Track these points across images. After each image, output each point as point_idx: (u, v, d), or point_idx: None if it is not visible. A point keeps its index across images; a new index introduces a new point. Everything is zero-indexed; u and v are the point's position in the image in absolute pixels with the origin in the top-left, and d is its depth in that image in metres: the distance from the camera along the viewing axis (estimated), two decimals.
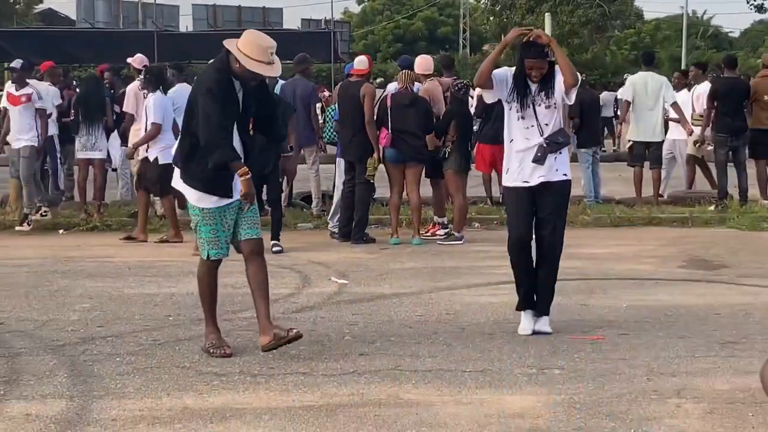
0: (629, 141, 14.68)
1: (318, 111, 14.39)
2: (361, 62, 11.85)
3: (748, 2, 37.53)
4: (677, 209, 13.36)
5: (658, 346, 6.45)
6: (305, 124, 12.58)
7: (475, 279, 9.02)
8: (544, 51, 6.62)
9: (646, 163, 14.23)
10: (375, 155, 11.22)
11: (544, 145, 6.69)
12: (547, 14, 19.81)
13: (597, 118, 15.58)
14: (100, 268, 9.82)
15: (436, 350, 6.41)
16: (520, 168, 6.76)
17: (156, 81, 11.60)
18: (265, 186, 10.42)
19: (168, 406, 5.31)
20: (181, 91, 12.84)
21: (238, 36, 6.28)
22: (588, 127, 14.33)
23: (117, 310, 7.78)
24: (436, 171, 11.57)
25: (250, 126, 6.48)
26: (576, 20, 38.60)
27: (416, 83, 11.71)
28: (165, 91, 11.73)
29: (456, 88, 11.55)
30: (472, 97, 13.25)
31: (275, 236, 10.72)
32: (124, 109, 13.01)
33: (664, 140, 14.33)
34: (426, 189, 11.85)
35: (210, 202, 6.25)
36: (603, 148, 18.10)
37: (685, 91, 15.09)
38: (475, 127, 12.51)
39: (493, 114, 12.31)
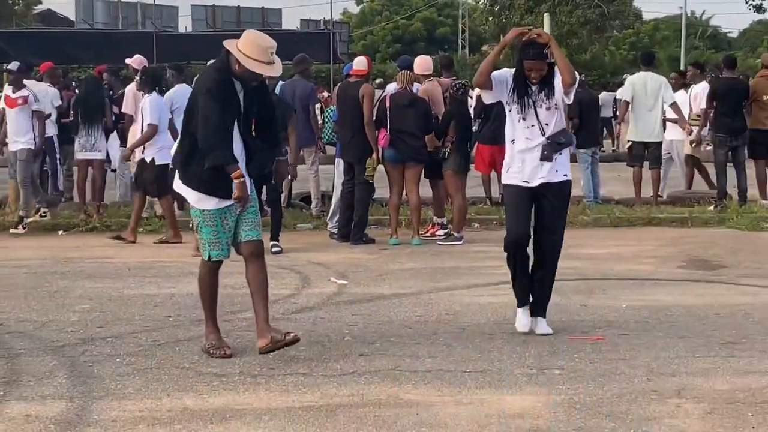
0: (628, 141, 14.68)
1: (317, 111, 14.39)
2: (360, 63, 11.85)
3: (746, 2, 37.54)
4: (677, 209, 13.36)
5: (658, 346, 6.45)
6: (304, 125, 12.58)
7: (474, 279, 9.02)
8: (543, 52, 6.61)
9: (646, 163, 14.23)
10: (374, 156, 11.22)
11: (546, 144, 6.69)
12: (545, 14, 19.85)
13: (596, 118, 15.59)
14: (99, 269, 9.81)
15: (436, 351, 6.41)
16: (521, 168, 6.76)
17: (152, 82, 11.61)
18: (264, 187, 10.41)
19: (168, 406, 5.31)
20: (181, 91, 12.84)
21: (237, 37, 6.27)
22: (587, 127, 14.33)
23: (117, 310, 7.78)
24: (435, 171, 11.57)
25: (252, 127, 6.47)
26: (575, 20, 38.61)
27: (415, 84, 11.71)
28: (161, 92, 11.74)
29: (455, 88, 11.55)
30: (471, 98, 13.25)
31: (275, 237, 10.72)
32: (123, 110, 13.02)
33: (663, 140, 14.32)
34: (425, 189, 11.86)
35: (210, 203, 6.24)
36: (602, 149, 18.11)
37: (682, 91, 15.09)
38: (474, 128, 12.50)
39: (492, 114, 12.32)
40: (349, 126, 11.41)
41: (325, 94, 24.44)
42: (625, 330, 6.95)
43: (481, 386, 5.62)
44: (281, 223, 11.13)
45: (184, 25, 41.73)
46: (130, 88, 12.84)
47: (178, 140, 6.62)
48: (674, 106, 14.10)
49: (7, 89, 12.81)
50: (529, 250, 6.86)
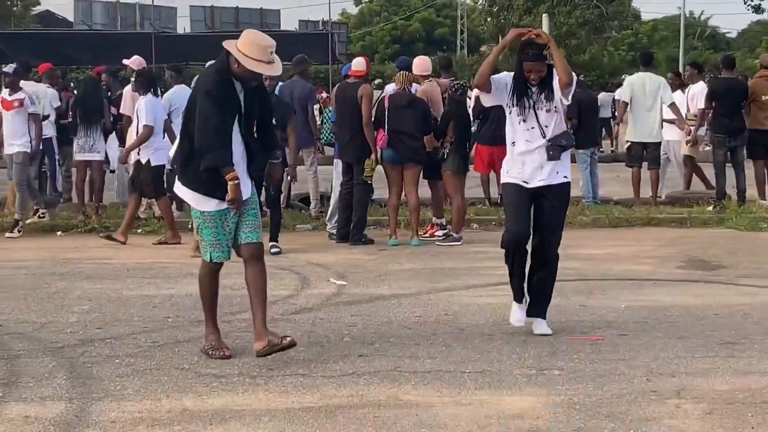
0: (627, 142, 14.69)
1: (316, 112, 14.39)
2: (358, 63, 11.85)
3: (745, 3, 37.60)
4: (675, 210, 13.36)
5: (658, 347, 6.45)
6: (303, 126, 12.58)
7: (473, 280, 9.02)
8: (542, 54, 6.62)
9: (644, 164, 14.23)
10: (373, 156, 11.23)
11: (549, 145, 6.69)
12: (544, 15, 19.89)
13: (595, 119, 15.59)
14: (98, 270, 9.81)
15: (436, 351, 6.41)
16: (521, 170, 6.76)
17: (147, 84, 11.61)
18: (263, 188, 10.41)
19: (167, 407, 5.31)
20: (179, 92, 12.85)
21: (236, 37, 6.26)
22: (586, 128, 14.31)
23: (116, 311, 7.77)
24: (434, 172, 11.57)
25: (254, 129, 6.45)
26: (573, 21, 38.65)
27: (414, 84, 11.71)
28: (156, 94, 11.73)
29: (454, 89, 11.55)
30: (470, 98, 13.25)
31: (274, 238, 10.72)
32: (121, 111, 13.02)
33: (661, 141, 14.32)
34: (424, 190, 11.85)
35: (210, 205, 6.22)
36: (601, 149, 18.12)
37: (679, 92, 15.09)
38: (473, 128, 12.51)
39: (490, 115, 12.32)
40: (347, 127, 11.41)
41: (324, 94, 24.45)
42: (624, 330, 6.95)
43: (481, 387, 5.62)
44: (280, 224, 11.12)
45: (183, 26, 41.71)
46: (129, 89, 12.84)
47: (177, 141, 6.61)
48: (673, 106, 14.10)
49: (4, 92, 12.78)
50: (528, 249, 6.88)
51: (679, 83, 15.59)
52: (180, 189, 6.37)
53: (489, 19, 44.43)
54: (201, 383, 5.73)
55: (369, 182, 11.45)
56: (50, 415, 5.18)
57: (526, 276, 6.90)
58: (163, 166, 11.63)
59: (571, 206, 11.37)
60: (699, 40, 62.28)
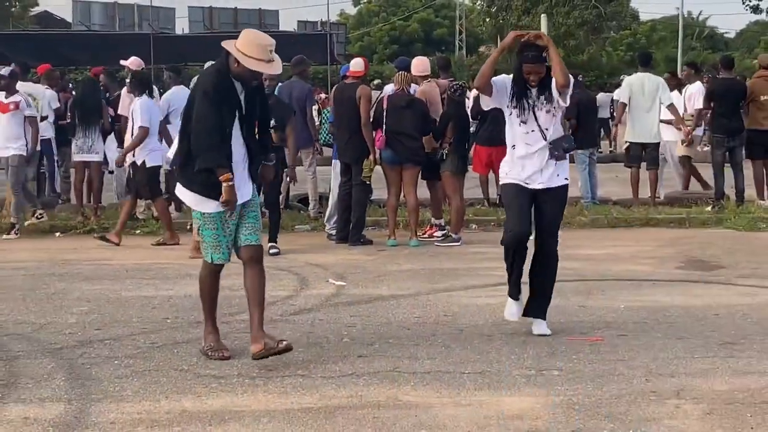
0: (626, 142, 14.69)
1: (315, 113, 14.38)
2: (356, 64, 11.85)
3: (743, 3, 37.61)
4: (674, 210, 13.36)
5: (657, 347, 6.45)
6: (302, 126, 12.58)
7: (472, 280, 9.02)
8: (542, 56, 6.62)
9: (643, 164, 14.23)
10: (371, 157, 11.22)
11: (551, 147, 6.70)
12: (543, 15, 19.85)
13: (594, 119, 15.60)
14: (97, 271, 9.80)
15: (435, 352, 6.41)
16: (521, 172, 6.76)
17: (141, 85, 11.61)
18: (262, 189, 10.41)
19: (166, 409, 5.30)
20: (178, 93, 12.86)
21: (234, 38, 6.25)
22: (585, 128, 14.32)
23: (115, 313, 7.77)
24: (432, 173, 11.57)
25: (256, 130, 6.43)
26: (572, 21, 38.69)
27: (413, 85, 11.71)
28: (151, 95, 11.73)
29: (453, 89, 11.55)
30: (468, 98, 13.25)
31: (273, 238, 10.72)
32: (119, 112, 13.02)
33: (660, 141, 14.32)
34: (423, 191, 11.85)
35: (210, 206, 6.19)
36: (599, 150, 18.11)
37: (676, 92, 15.09)
38: (471, 129, 12.51)
39: (488, 116, 12.30)
40: (345, 127, 11.41)
41: (323, 95, 24.44)
42: (623, 331, 6.95)
43: (480, 387, 5.62)
44: (279, 224, 11.12)
45: (181, 26, 41.63)
46: (127, 90, 12.83)
47: (176, 142, 6.60)
48: (671, 107, 14.10)
49: (0, 94, 12.73)
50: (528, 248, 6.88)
51: (676, 83, 15.59)
52: (180, 190, 6.36)
53: (487, 20, 44.48)
54: (200, 384, 5.73)
55: (368, 183, 11.45)
56: (49, 416, 5.18)
57: (528, 276, 6.90)
58: (159, 167, 11.63)
59: (570, 206, 11.42)
60: (697, 40, 62.33)
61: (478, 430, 4.93)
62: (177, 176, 6.49)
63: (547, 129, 6.72)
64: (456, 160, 11.30)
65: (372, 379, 5.79)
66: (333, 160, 12.06)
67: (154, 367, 6.09)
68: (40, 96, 13.86)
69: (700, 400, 5.34)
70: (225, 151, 6.11)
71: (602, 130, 23.90)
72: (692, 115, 14.48)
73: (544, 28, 16.87)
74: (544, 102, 6.70)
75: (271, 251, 10.44)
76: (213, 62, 6.64)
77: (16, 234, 12.23)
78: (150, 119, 11.35)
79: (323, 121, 14.13)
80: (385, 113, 11.22)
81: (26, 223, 12.54)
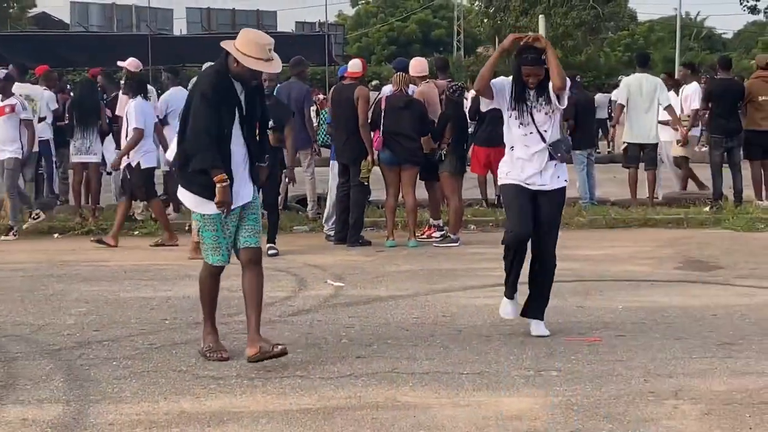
0: (624, 143, 14.69)
1: (313, 114, 14.39)
2: (354, 65, 11.85)
3: (741, 3, 37.66)
4: (672, 210, 13.37)
5: (655, 348, 6.46)
6: (300, 127, 12.58)
7: (471, 281, 9.02)
8: (540, 58, 6.63)
9: (641, 165, 14.23)
10: (369, 158, 11.23)
11: (550, 149, 6.70)
12: (540, 16, 19.81)
13: (592, 120, 15.61)
14: (95, 272, 9.80)
15: (433, 353, 6.41)
16: (521, 173, 6.76)
17: (136, 86, 11.60)
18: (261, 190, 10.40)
19: (165, 410, 5.30)
20: (176, 94, 12.86)
21: (232, 39, 6.25)
22: (583, 128, 14.34)
23: (113, 314, 7.77)
24: (431, 173, 11.57)
25: (257, 130, 6.42)
26: (570, 22, 38.67)
27: (411, 86, 11.72)
28: (146, 97, 11.72)
29: (451, 90, 11.56)
30: (467, 99, 13.26)
31: (271, 239, 10.72)
32: (117, 113, 13.00)
33: (660, 142, 14.32)
34: (421, 191, 11.85)
35: (211, 208, 6.16)
36: (597, 150, 18.12)
37: (672, 92, 15.09)
38: (470, 130, 12.51)
39: (486, 116, 12.30)
40: (343, 128, 11.41)
41: (321, 96, 24.45)
42: (621, 331, 6.95)
43: (479, 388, 5.62)
44: (278, 225, 11.11)
45: (179, 27, 41.65)
46: None
47: (173, 143, 6.59)
48: (669, 108, 14.09)
49: None
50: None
51: (672, 84, 15.59)
52: (181, 192, 6.35)
53: (485, 21, 44.44)
54: (199, 385, 5.73)
55: (366, 184, 11.45)
56: (48, 417, 5.18)
57: (527, 278, 6.91)
58: (154, 168, 11.63)
59: (568, 207, 11.41)
60: (695, 40, 62.37)
61: (476, 430, 4.94)
62: (177, 178, 6.49)
63: (545, 131, 6.73)
64: (454, 161, 11.31)
65: (370, 380, 5.79)
66: (331, 161, 12.05)
67: (153, 368, 6.09)
68: (39, 97, 13.84)
69: (698, 400, 5.34)
70: (221, 152, 6.09)
71: (600, 130, 23.92)
72: (688, 116, 14.48)
73: (542, 29, 16.86)
74: (543, 104, 6.71)
75: (270, 252, 10.44)
76: (212, 63, 6.64)
77: (15, 235, 12.22)
78: (144, 121, 11.33)
79: (321, 122, 14.14)
80: (383, 114, 11.22)
81: (24, 226, 12.53)
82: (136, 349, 6.59)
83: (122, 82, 12.44)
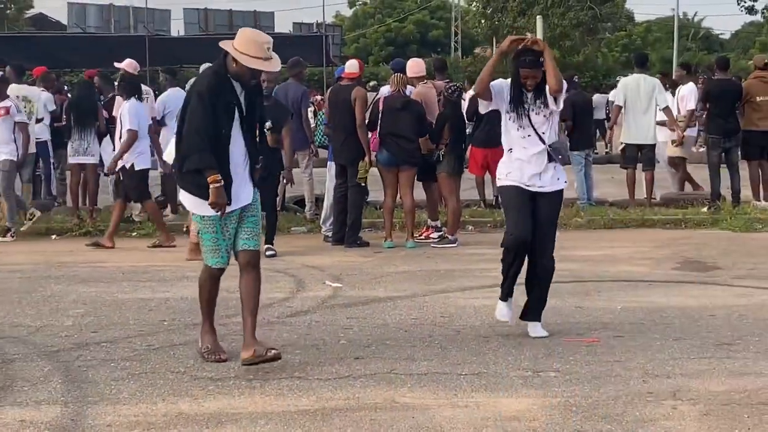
0: (621, 143, 14.69)
1: (310, 115, 14.39)
2: (351, 66, 11.86)
3: (738, 4, 37.71)
4: (670, 211, 13.38)
5: (654, 348, 6.46)
6: (297, 128, 12.58)
7: (469, 282, 9.02)
8: (538, 61, 6.63)
9: (639, 165, 14.23)
10: (366, 158, 11.22)
11: (549, 151, 6.71)
12: (538, 17, 19.82)
13: (589, 120, 15.62)
14: (93, 273, 9.79)
15: (432, 353, 6.40)
16: (520, 174, 6.76)
17: (130, 88, 11.59)
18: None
19: (163, 411, 5.30)
20: (174, 95, 12.86)
21: (230, 39, 6.24)
22: (580, 129, 14.35)
23: (111, 315, 7.76)
24: (428, 174, 11.57)
25: (257, 131, 6.40)
26: (567, 23, 38.72)
27: (408, 86, 11.71)
28: (140, 98, 11.71)
29: (449, 91, 11.55)
30: (464, 99, 13.25)
31: (269, 240, 10.71)
32: (114, 114, 12.99)
33: (656, 143, 14.32)
34: (419, 192, 11.85)
35: (209, 209, 6.13)
36: (595, 151, 18.12)
37: (668, 93, 15.09)
38: (468, 130, 12.51)
39: (485, 117, 12.28)
40: (341, 129, 11.41)
41: (319, 97, 24.44)
42: (620, 332, 6.95)
43: (477, 389, 5.62)
44: (276, 226, 11.11)
45: (177, 28, 41.72)
46: None
47: (171, 144, 6.58)
48: (667, 110, 14.09)
49: None
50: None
51: (665, 84, 15.58)
52: (181, 193, 6.34)
53: (483, 21, 44.48)
54: (197, 386, 5.72)
55: (363, 184, 11.45)
56: (46, 419, 5.17)
57: (524, 281, 6.91)
58: (147, 170, 11.62)
59: (566, 208, 11.43)
60: (693, 41, 62.40)
61: (474, 431, 4.93)
62: (177, 179, 6.47)
63: (543, 132, 6.73)
64: (452, 162, 11.31)
65: (369, 381, 5.78)
66: (328, 162, 12.05)
67: (151, 370, 6.09)
68: (36, 98, 13.84)
69: (696, 401, 5.34)
70: (219, 153, 6.07)
71: (598, 131, 23.94)
72: (684, 116, 14.49)
73: (539, 30, 16.86)
74: (541, 106, 6.72)
75: (268, 253, 10.43)
76: (210, 65, 6.63)
77: (12, 236, 12.21)
78: (138, 122, 11.31)
79: (319, 123, 14.14)
80: (381, 115, 11.22)
81: (22, 228, 12.52)
82: (134, 351, 6.58)
83: (116, 83, 12.42)
